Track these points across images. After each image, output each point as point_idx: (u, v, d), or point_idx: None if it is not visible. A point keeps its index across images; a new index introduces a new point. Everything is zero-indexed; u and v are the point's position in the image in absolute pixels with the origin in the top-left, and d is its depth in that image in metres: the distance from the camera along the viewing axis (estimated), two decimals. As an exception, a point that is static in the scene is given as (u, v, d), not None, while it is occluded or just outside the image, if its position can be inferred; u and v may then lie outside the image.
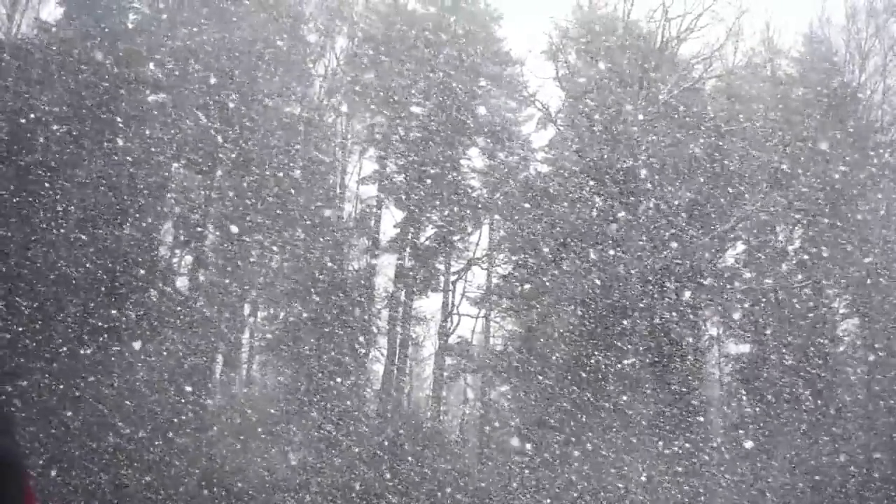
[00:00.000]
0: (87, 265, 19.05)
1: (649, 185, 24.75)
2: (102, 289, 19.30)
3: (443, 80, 28.67)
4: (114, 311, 19.31)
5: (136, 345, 19.42)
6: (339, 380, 23.82)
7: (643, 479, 21.28)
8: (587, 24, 29.26)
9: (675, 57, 28.19)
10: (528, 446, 23.39)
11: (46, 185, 19.08)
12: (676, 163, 25.24)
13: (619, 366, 23.06)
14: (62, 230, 19.03)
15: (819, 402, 23.68)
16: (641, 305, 23.74)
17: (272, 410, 22.91)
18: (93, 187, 19.88)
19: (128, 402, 18.47)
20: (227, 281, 23.38)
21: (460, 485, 22.67)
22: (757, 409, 24.11)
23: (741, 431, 24.04)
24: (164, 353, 20.06)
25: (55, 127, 19.72)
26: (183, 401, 20.06)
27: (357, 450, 22.51)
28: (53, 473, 16.59)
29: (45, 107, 19.88)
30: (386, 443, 23.51)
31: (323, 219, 25.87)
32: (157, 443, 18.74)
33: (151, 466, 18.39)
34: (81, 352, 18.31)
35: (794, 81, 30.43)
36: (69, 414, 17.40)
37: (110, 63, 21.37)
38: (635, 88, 25.96)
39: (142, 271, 20.44)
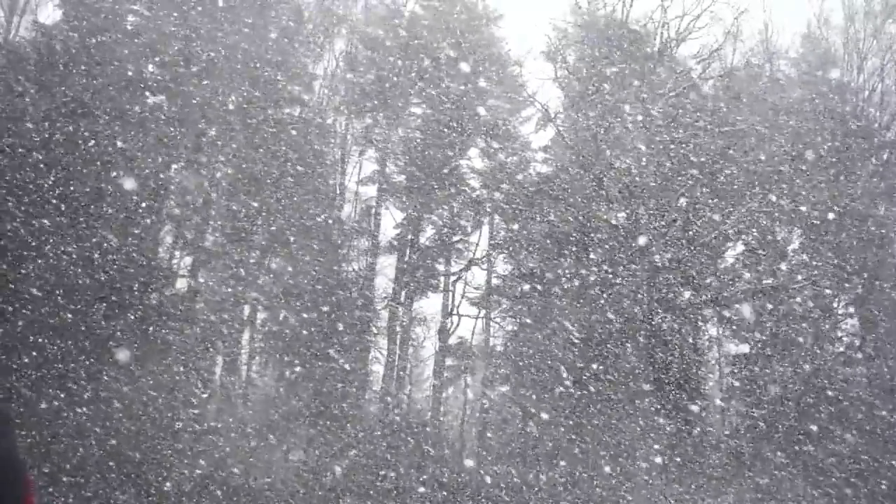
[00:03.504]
0: (87, 267, 19.06)
1: (650, 186, 24.77)
2: (102, 290, 19.29)
3: (442, 81, 28.71)
4: (113, 312, 19.31)
5: (136, 346, 19.43)
6: (338, 381, 23.83)
7: (643, 479, 21.30)
8: (586, 24, 29.31)
9: (674, 58, 28.23)
10: (528, 447, 23.41)
11: (45, 187, 19.09)
12: (675, 163, 25.26)
13: (619, 366, 23.08)
14: (61, 232, 19.03)
15: (818, 402, 23.69)
16: (641, 306, 23.76)
17: (272, 411, 22.92)
18: (91, 189, 19.88)
19: (128, 404, 18.48)
20: (226, 284, 23.40)
21: (461, 485, 22.69)
22: (756, 409, 24.12)
23: (740, 432, 24.07)
24: (164, 355, 20.06)
25: (54, 129, 19.72)
26: (183, 402, 20.08)
27: (357, 451, 22.52)
28: (48, 471, 16.61)
29: (43, 109, 19.88)
30: (386, 444, 23.53)
31: (323, 219, 25.88)
32: (156, 444, 18.75)
33: (151, 467, 18.40)
34: (81, 356, 18.29)
35: (792, 82, 30.48)
36: (68, 416, 17.42)
37: (109, 65, 21.38)
38: (634, 89, 25.98)
39: (141, 275, 20.45)
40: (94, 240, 19.42)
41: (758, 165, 25.58)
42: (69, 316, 18.24)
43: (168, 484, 18.50)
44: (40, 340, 17.73)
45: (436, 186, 28.07)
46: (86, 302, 18.80)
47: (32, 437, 16.33)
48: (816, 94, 28.56)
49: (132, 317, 19.45)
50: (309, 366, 23.67)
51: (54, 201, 19.14)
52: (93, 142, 20.26)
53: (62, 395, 17.49)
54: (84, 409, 17.65)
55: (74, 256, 18.89)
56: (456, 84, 28.82)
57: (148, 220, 21.88)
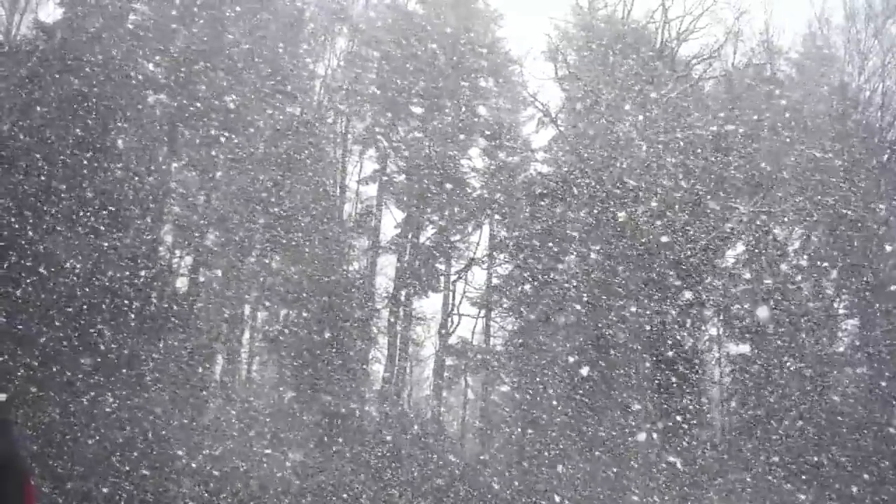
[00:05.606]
0: (88, 267, 19.04)
1: (649, 186, 24.76)
2: (102, 290, 19.27)
3: (443, 81, 28.70)
4: (113, 310, 19.30)
5: (136, 346, 19.41)
6: (339, 380, 23.81)
7: (643, 478, 21.28)
8: (586, 24, 29.31)
9: (675, 57, 28.23)
10: (528, 447, 23.39)
11: (45, 187, 19.08)
12: (676, 163, 25.23)
13: (620, 366, 23.07)
14: (61, 232, 19.01)
15: (818, 402, 23.67)
16: (642, 306, 23.74)
17: (272, 411, 22.89)
18: (92, 189, 19.88)
19: (128, 404, 18.46)
20: (226, 283, 23.39)
21: (461, 486, 22.66)
22: (756, 409, 24.10)
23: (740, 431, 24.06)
24: (164, 354, 20.05)
25: (54, 128, 19.70)
26: (182, 402, 20.05)
27: (357, 450, 22.50)
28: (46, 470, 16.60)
29: (44, 108, 19.86)
30: (386, 443, 23.51)
31: (323, 219, 25.86)
32: (156, 443, 18.73)
33: (150, 467, 18.38)
34: (80, 358, 18.26)
35: (793, 82, 30.46)
36: (70, 416, 17.41)
37: (109, 63, 21.37)
38: (635, 89, 25.96)
39: (142, 273, 20.44)
40: (94, 239, 19.38)
41: (759, 166, 25.55)
42: (70, 313, 18.20)
43: (167, 482, 18.47)
44: (40, 339, 17.72)
45: (436, 186, 28.05)
46: (87, 300, 18.76)
47: (36, 440, 16.30)
48: (817, 94, 28.55)
49: (133, 316, 19.43)
50: (309, 366, 23.65)
51: (55, 200, 19.10)
52: (93, 141, 20.23)
53: (63, 397, 17.47)
54: (85, 412, 17.62)
55: (76, 255, 18.85)
56: (456, 83, 28.81)
57: (148, 219, 21.87)
